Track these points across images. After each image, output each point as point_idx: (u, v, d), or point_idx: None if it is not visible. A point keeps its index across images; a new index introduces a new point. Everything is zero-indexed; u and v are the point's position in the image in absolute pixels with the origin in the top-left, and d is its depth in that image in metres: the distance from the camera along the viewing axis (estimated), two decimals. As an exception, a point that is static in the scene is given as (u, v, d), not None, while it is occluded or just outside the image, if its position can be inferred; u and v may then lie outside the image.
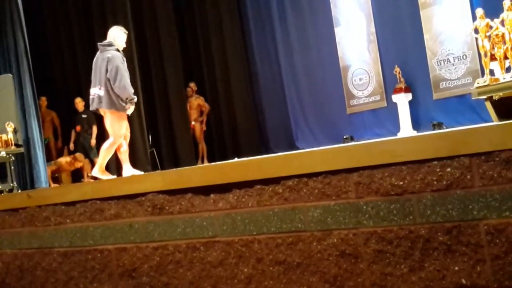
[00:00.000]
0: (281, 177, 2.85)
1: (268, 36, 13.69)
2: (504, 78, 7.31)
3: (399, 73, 11.23)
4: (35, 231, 3.99)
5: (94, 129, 10.81)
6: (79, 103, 11.00)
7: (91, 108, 6.79)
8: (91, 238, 3.65)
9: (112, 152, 6.72)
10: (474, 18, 8.65)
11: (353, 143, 10.14)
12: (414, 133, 10.37)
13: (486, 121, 8.13)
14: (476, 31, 7.90)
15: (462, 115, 10.21)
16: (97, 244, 3.62)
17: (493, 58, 7.59)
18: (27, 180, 9.77)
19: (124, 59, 6.58)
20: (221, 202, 3.06)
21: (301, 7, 12.91)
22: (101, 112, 6.63)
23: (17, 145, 8.89)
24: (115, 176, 7.02)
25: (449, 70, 10.64)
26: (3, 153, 8.62)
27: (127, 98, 6.42)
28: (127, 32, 6.89)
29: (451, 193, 2.41)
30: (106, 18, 11.12)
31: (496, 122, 6.78)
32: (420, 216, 2.48)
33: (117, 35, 6.67)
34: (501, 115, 7.22)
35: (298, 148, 12.16)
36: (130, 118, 6.98)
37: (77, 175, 10.96)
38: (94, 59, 6.63)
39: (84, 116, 10.92)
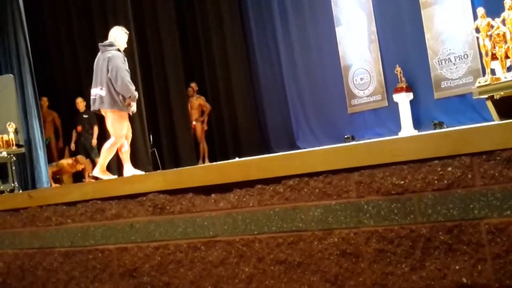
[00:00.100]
0: (282, 177, 2.85)
1: (269, 35, 13.70)
2: (505, 77, 7.31)
3: (400, 72, 11.23)
4: (36, 231, 3.99)
5: (95, 129, 10.82)
6: (80, 103, 11.00)
7: (92, 109, 6.79)
8: (92, 238, 3.65)
9: (113, 152, 6.72)
10: (475, 17, 8.65)
11: (354, 142, 10.15)
12: (415, 133, 10.37)
13: (487, 120, 8.13)
14: (477, 30, 7.90)
15: (463, 114, 10.21)
16: (98, 244, 3.62)
17: (494, 57, 7.59)
18: (28, 181, 9.78)
19: (125, 59, 6.58)
20: (222, 202, 3.06)
21: (302, 6, 12.91)
22: (102, 112, 6.63)
23: (18, 145, 8.90)
24: (116, 176, 7.03)
25: (450, 70, 10.63)
26: (4, 153, 8.63)
27: (129, 97, 6.42)
28: (128, 32, 6.90)
29: (452, 192, 2.40)
30: (107, 18, 11.13)
31: (497, 121, 6.78)
32: (421, 215, 2.48)
33: (118, 36, 6.68)
34: (502, 114, 7.22)
35: (299, 148, 12.17)
36: (131, 118, 6.98)
37: (78, 176, 10.97)
38: (96, 60, 6.64)
39: (85, 116, 10.92)
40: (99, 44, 6.69)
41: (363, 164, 2.62)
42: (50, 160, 10.48)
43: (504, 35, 7.44)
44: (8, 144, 8.71)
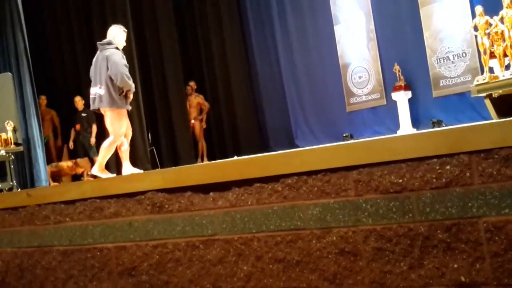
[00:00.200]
0: (281, 175, 2.85)
1: (268, 34, 13.70)
2: (503, 76, 7.30)
3: (398, 71, 11.23)
4: (34, 229, 3.99)
5: (94, 128, 10.82)
6: (79, 102, 11.00)
7: (92, 108, 6.79)
8: (91, 237, 3.65)
9: (112, 151, 6.72)
10: (473, 15, 8.65)
11: (352, 141, 10.15)
12: (414, 131, 10.37)
13: (485, 119, 8.14)
14: (476, 28, 7.89)
15: (462, 112, 10.22)
16: (96, 243, 3.62)
17: (492, 55, 7.59)
18: (27, 179, 9.78)
19: (124, 56, 6.58)
20: (220, 201, 3.06)
21: (300, 5, 12.91)
22: (102, 111, 6.63)
23: (16, 144, 8.89)
24: (114, 175, 7.02)
25: (448, 68, 10.64)
26: (3, 152, 8.62)
27: (128, 90, 6.42)
28: (126, 30, 6.89)
29: (451, 190, 2.40)
30: (106, 17, 11.13)
31: (495, 120, 6.78)
32: (419, 213, 2.48)
33: (117, 34, 6.67)
34: (501, 113, 7.21)
35: (297, 146, 12.18)
36: (130, 117, 6.98)
37: (77, 175, 10.96)
38: (94, 58, 6.63)
39: (83, 114, 10.92)
40: (98, 42, 6.68)
41: (361, 162, 2.62)
42: (48, 158, 10.48)
43: (502, 33, 7.43)
44: (6, 142, 8.70)
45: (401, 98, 11.07)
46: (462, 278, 2.40)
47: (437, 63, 10.78)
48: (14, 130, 8.86)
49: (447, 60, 10.64)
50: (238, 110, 13.39)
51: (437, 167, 2.43)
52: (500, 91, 7.30)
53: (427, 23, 10.85)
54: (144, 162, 10.77)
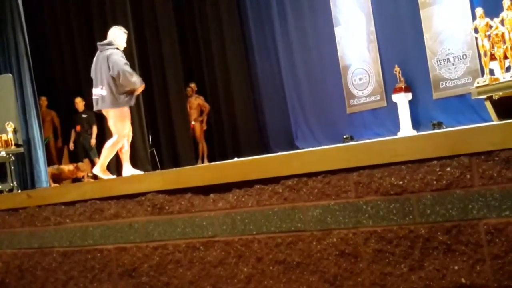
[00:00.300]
0: (281, 177, 2.85)
1: (268, 36, 13.71)
2: (504, 78, 7.30)
3: (399, 72, 11.23)
4: (35, 231, 3.99)
5: (94, 129, 10.83)
6: (79, 103, 11.00)
7: (95, 109, 6.75)
8: (91, 238, 3.65)
9: (115, 151, 6.70)
10: (474, 17, 8.65)
11: (353, 142, 10.15)
12: (414, 133, 10.37)
13: (486, 121, 8.13)
14: (476, 30, 7.89)
15: (462, 114, 10.22)
16: (96, 244, 3.62)
17: (493, 57, 7.58)
18: (27, 180, 9.77)
19: (124, 56, 6.57)
20: (221, 202, 3.06)
21: (301, 6, 12.91)
22: (104, 112, 6.61)
23: (17, 145, 8.88)
24: (115, 176, 7.02)
25: (449, 70, 10.64)
26: (3, 153, 8.61)
27: (133, 89, 6.41)
28: (127, 32, 6.89)
29: (451, 192, 2.41)
30: (106, 18, 11.13)
31: (495, 122, 6.78)
32: (419, 215, 2.48)
33: (118, 35, 6.68)
34: (501, 115, 7.21)
35: (298, 148, 12.18)
36: (130, 118, 6.97)
37: (77, 177, 10.95)
38: (94, 59, 6.63)
39: (84, 116, 10.92)
40: (98, 43, 6.68)
41: (362, 164, 2.62)
42: (48, 159, 10.47)
43: (502, 35, 7.43)
44: (7, 143, 8.69)
45: (402, 100, 11.07)
46: (463, 280, 2.40)
47: (438, 65, 10.78)
48: (15, 131, 8.85)
49: (447, 62, 10.64)
50: (238, 112, 13.40)
51: (438, 169, 2.43)
52: (501, 93, 7.30)
53: (428, 24, 10.85)
54: (144, 164, 10.77)
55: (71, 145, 11.15)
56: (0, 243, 4.25)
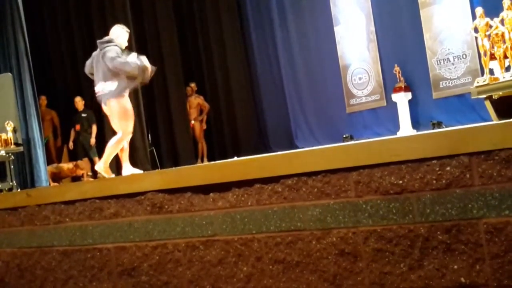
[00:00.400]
0: (281, 176, 2.85)
1: (268, 35, 13.71)
2: (503, 77, 7.31)
3: (398, 72, 11.24)
4: (34, 230, 3.99)
5: (94, 128, 10.83)
6: (79, 102, 11.00)
7: (102, 104, 6.65)
8: (91, 237, 3.65)
9: (119, 149, 6.66)
10: (474, 17, 8.66)
11: (352, 142, 10.15)
12: (414, 132, 10.38)
13: (485, 120, 8.14)
14: (476, 30, 7.89)
15: (462, 114, 10.23)
16: (96, 243, 3.62)
17: (492, 57, 7.59)
18: (27, 179, 9.77)
19: (119, 51, 6.50)
20: (220, 201, 3.06)
21: (300, 6, 12.92)
22: (107, 109, 6.55)
23: (16, 144, 8.88)
24: (114, 175, 7.01)
25: (448, 69, 10.64)
26: (3, 152, 8.61)
27: (135, 74, 6.37)
28: (129, 31, 6.88)
29: (451, 192, 2.40)
30: (106, 17, 11.14)
31: (495, 121, 6.78)
32: (419, 215, 2.48)
33: (119, 34, 6.66)
34: (501, 114, 7.22)
35: (297, 147, 12.18)
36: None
37: (77, 176, 10.95)
38: (95, 57, 6.61)
39: (83, 115, 10.92)
40: (97, 41, 6.67)
41: (361, 163, 2.62)
42: (48, 158, 10.47)
43: (502, 35, 7.43)
44: (6, 143, 8.69)
45: (401, 99, 11.07)
46: (462, 280, 2.40)
47: (437, 64, 10.78)
48: (14, 131, 8.84)
49: (447, 62, 10.64)
50: (238, 111, 13.40)
51: (437, 169, 2.43)
52: (500, 93, 7.31)
53: (428, 24, 10.85)
54: (144, 163, 10.77)
55: (71, 144, 11.15)
56: (0, 242, 4.25)
